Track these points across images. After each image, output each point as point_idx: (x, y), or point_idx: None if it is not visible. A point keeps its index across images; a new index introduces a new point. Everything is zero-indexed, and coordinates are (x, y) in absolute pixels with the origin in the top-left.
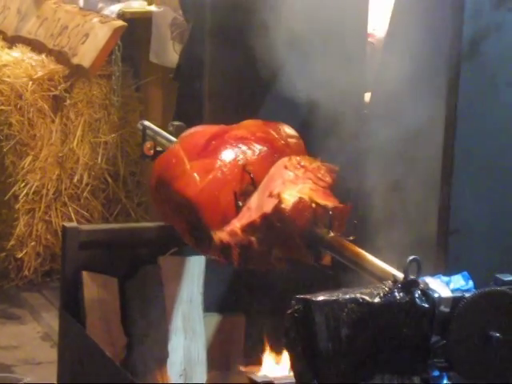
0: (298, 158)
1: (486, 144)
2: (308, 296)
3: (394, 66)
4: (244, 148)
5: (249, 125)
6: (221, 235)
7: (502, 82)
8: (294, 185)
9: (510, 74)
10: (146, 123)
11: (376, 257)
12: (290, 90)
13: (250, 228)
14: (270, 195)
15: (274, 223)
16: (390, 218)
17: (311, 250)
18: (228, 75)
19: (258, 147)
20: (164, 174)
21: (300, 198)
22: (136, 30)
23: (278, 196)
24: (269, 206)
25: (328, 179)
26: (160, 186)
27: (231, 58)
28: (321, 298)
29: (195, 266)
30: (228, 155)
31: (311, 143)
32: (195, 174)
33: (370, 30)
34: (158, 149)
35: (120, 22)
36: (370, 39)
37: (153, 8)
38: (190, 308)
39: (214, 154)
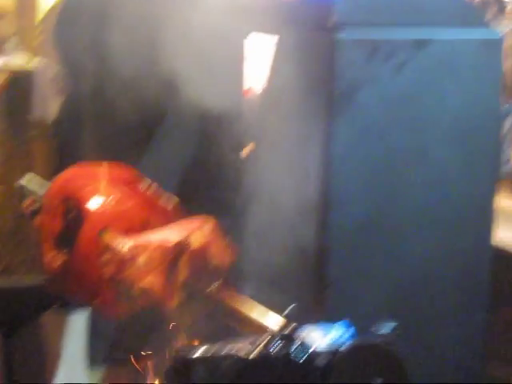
0: None
1: (359, 198)
2: (186, 350)
3: (270, 120)
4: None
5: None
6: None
7: (375, 134)
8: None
9: (382, 127)
10: (25, 180)
11: (254, 307)
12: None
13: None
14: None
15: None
16: (270, 267)
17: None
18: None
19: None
20: None
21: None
22: (18, 84)
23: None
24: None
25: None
26: None
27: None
28: (198, 354)
29: (78, 322)
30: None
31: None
32: None
33: (247, 86)
34: (38, 204)
35: (1, 76)
36: (248, 95)
37: (35, 62)
38: (73, 364)
39: None
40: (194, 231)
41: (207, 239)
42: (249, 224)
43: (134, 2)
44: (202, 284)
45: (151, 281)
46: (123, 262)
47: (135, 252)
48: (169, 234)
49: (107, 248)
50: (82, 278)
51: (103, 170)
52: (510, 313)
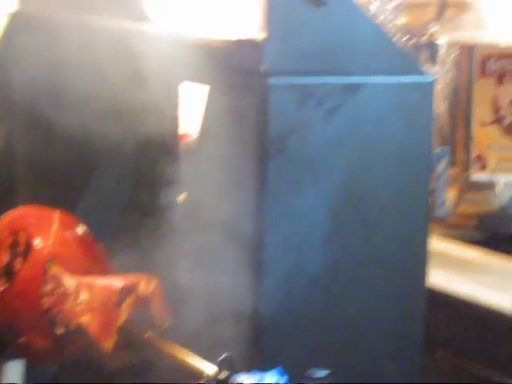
0: None
1: (294, 243)
2: None
3: (203, 165)
4: None
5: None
6: None
7: (308, 180)
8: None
9: (315, 172)
10: None
11: (189, 355)
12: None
13: None
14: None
15: None
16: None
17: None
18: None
19: None
20: None
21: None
22: None
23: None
24: None
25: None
26: None
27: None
28: None
29: (14, 372)
30: None
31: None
32: None
33: (183, 131)
34: None
35: None
36: (183, 140)
37: None
38: None
39: None
40: (141, 280)
41: (152, 291)
42: (183, 272)
43: (68, 45)
44: (139, 331)
45: (90, 319)
46: (65, 294)
47: (79, 288)
48: (115, 280)
49: (51, 279)
50: (19, 311)
51: (54, 214)
52: (444, 356)
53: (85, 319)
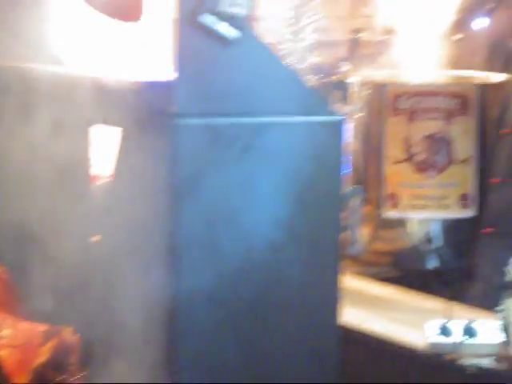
0: None
1: (208, 280)
2: None
3: (117, 205)
4: None
5: None
6: None
7: (219, 219)
8: None
9: (226, 212)
10: None
11: None
12: None
13: None
14: None
15: None
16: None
17: None
18: None
19: None
20: None
21: None
22: None
23: None
24: None
25: None
26: None
27: None
28: None
29: None
30: None
31: None
32: None
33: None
34: None
35: None
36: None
37: None
38: None
39: None
40: (64, 329)
41: (74, 340)
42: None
43: None
44: (54, 375)
45: (8, 354)
46: None
47: (2, 323)
48: (38, 324)
49: None
50: None
51: None
52: None
53: (3, 353)
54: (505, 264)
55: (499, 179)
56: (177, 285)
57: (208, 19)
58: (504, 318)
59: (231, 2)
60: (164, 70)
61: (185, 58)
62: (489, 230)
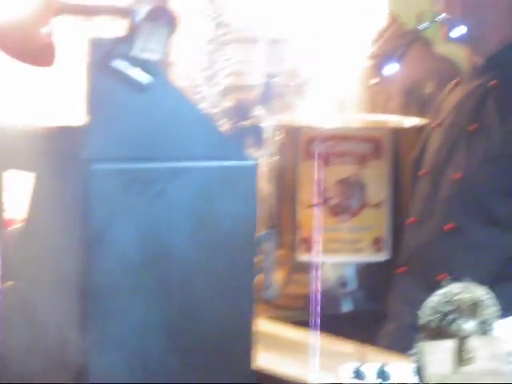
0: None
1: (120, 338)
2: None
3: (28, 254)
4: None
5: None
6: None
7: (134, 265)
8: None
9: (139, 259)
10: None
11: None
12: None
13: None
14: None
15: None
16: None
17: None
18: None
19: None
20: None
21: None
22: None
23: None
24: None
25: None
26: None
27: None
28: None
29: None
30: None
31: None
32: None
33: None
34: None
35: None
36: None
37: None
38: None
39: None
40: None
41: None
42: None
43: None
44: None
45: None
46: None
47: None
48: None
49: None
50: None
51: None
52: None
53: None
54: (418, 304)
55: (415, 219)
56: (89, 335)
57: (120, 64)
58: (417, 361)
59: (144, 47)
60: (77, 114)
61: (97, 102)
62: (402, 269)
